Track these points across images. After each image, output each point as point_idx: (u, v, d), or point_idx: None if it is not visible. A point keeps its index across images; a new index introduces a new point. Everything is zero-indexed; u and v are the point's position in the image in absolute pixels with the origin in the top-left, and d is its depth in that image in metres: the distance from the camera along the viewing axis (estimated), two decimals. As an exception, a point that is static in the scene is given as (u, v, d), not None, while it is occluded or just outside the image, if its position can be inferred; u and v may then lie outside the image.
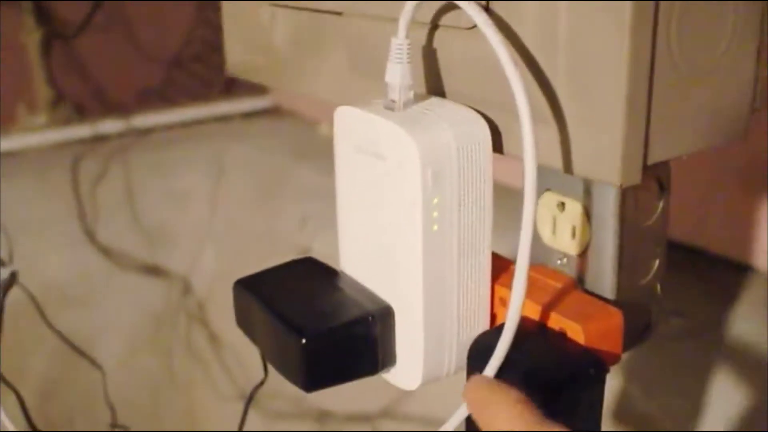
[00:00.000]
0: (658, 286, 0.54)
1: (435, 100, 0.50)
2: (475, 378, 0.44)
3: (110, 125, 1.57)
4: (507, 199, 0.51)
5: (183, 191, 1.47)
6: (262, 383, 0.61)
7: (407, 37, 0.48)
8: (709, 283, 0.99)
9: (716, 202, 1.02)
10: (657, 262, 0.53)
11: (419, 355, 0.49)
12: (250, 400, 0.65)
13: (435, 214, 0.46)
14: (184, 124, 1.62)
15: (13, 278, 0.94)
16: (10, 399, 0.92)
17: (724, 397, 0.84)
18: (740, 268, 1.01)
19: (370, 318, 0.49)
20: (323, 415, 1.25)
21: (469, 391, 0.43)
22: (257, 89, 1.67)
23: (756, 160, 0.96)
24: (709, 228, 1.04)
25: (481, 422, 0.41)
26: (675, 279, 0.98)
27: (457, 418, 0.45)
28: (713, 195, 1.02)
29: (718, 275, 1.00)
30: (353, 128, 0.50)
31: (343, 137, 0.51)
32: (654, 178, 0.51)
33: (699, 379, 0.86)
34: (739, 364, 0.86)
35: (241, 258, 1.39)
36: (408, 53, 0.48)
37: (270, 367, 0.54)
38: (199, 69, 1.66)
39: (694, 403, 0.87)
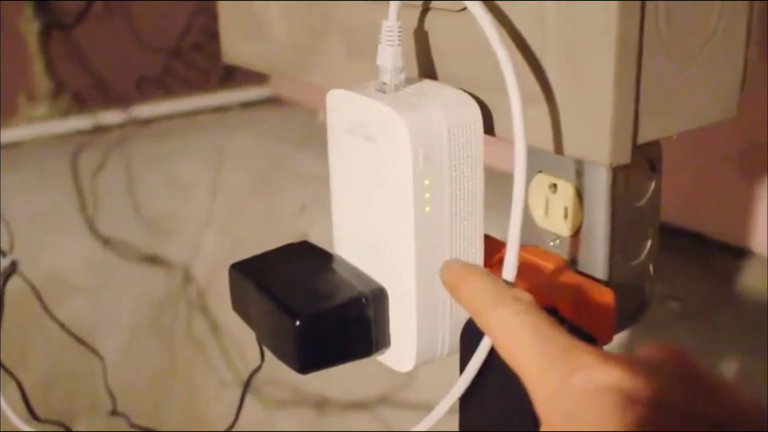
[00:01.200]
0: (651, 267, 0.54)
1: (426, 83, 0.50)
2: (447, 261, 0.47)
3: (110, 116, 1.57)
4: (502, 183, 0.51)
5: (183, 181, 1.47)
6: (258, 368, 0.61)
7: (398, 19, 0.48)
8: (705, 267, 0.99)
9: (713, 186, 1.02)
10: (649, 242, 0.53)
11: (412, 337, 0.49)
12: (247, 385, 0.65)
13: (427, 195, 0.47)
14: (184, 114, 1.62)
15: (13, 268, 0.95)
16: (11, 387, 0.92)
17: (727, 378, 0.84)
18: (737, 252, 1.01)
19: (363, 299, 0.49)
20: (322, 403, 1.26)
21: (444, 273, 0.46)
22: (256, 79, 1.67)
23: (753, 144, 0.96)
24: (706, 212, 1.04)
25: (457, 296, 0.45)
26: (672, 263, 0.99)
27: (449, 400, 0.46)
28: (710, 179, 1.02)
29: (715, 259, 1.01)
30: (345, 111, 0.50)
31: (336, 120, 0.51)
32: (645, 159, 0.51)
33: (696, 359, 0.86)
34: (735, 347, 0.87)
35: (241, 246, 1.39)
36: (399, 36, 0.48)
37: (267, 355, 0.55)
38: (198, 58, 1.66)
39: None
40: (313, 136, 1.43)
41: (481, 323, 0.42)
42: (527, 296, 0.41)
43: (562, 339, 0.38)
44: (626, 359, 0.36)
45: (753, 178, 0.98)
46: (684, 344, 0.86)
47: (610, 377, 0.34)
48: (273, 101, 1.69)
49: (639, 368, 0.35)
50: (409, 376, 0.50)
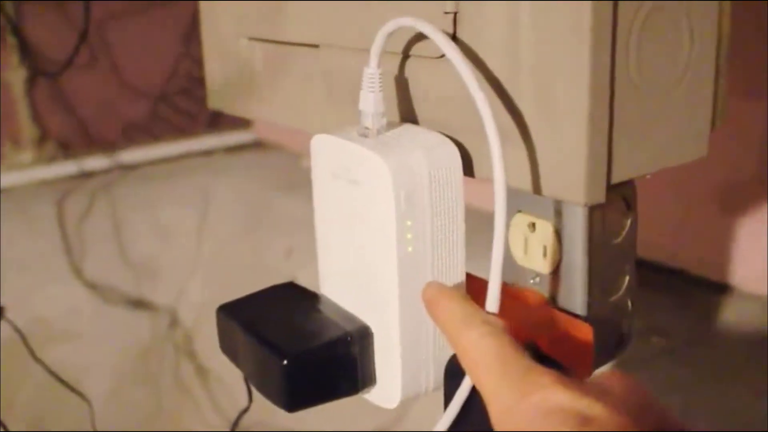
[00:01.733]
0: (629, 303, 0.56)
1: (407, 127, 0.52)
2: (429, 282, 0.49)
3: (96, 161, 1.58)
4: (483, 222, 0.52)
5: (169, 225, 1.48)
6: (246, 409, 0.62)
7: (379, 66, 0.50)
8: (686, 302, 1.01)
9: (693, 223, 1.04)
10: (627, 278, 0.55)
11: (397, 374, 0.50)
12: (235, 425, 0.66)
13: (409, 235, 0.48)
14: (169, 159, 1.63)
15: (0, 313, 0.95)
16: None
17: (706, 414, 0.85)
18: (717, 288, 1.02)
19: (348, 338, 0.50)
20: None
21: (425, 292, 0.48)
22: (241, 123, 1.69)
23: (730, 183, 0.98)
24: (686, 248, 1.05)
25: (433, 314, 0.47)
26: (654, 298, 1.00)
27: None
28: (690, 217, 1.04)
29: (696, 294, 1.02)
30: (329, 155, 0.51)
31: (320, 164, 0.53)
32: (620, 197, 0.52)
33: (681, 396, 0.88)
34: (716, 382, 0.88)
35: (227, 290, 1.39)
36: (380, 82, 0.50)
37: (255, 396, 0.55)
38: (183, 103, 1.68)
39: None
40: (297, 180, 1.44)
41: (451, 342, 0.45)
42: (497, 321, 0.44)
43: (523, 361, 0.40)
44: (581, 383, 0.38)
45: (732, 215, 1.00)
46: (666, 379, 0.87)
47: (564, 397, 0.37)
48: (257, 145, 1.71)
49: (592, 391, 0.38)
50: (399, 412, 0.50)
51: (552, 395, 0.37)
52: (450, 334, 0.45)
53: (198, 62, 1.66)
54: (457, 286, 0.49)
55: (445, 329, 0.46)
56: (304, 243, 1.27)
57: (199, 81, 1.66)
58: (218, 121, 1.70)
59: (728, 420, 0.83)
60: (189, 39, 1.64)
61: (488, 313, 0.45)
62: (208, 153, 1.68)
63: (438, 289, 0.48)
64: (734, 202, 0.99)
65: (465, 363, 0.43)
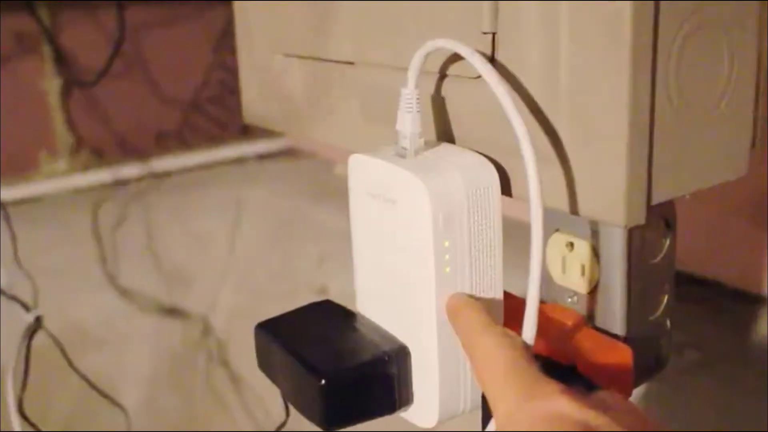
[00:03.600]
0: (668, 321, 0.55)
1: (444, 146, 0.52)
2: (453, 293, 0.49)
3: (129, 169, 1.60)
4: (518, 235, 0.52)
5: (201, 233, 1.49)
6: (283, 424, 0.62)
7: (416, 86, 0.50)
8: (722, 315, 1.00)
9: (728, 235, 1.03)
10: (666, 297, 0.54)
11: (435, 394, 0.50)
12: (271, 439, 0.66)
13: (447, 256, 0.48)
14: (202, 167, 1.64)
15: (38, 323, 0.96)
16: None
17: (739, 425, 0.85)
18: (752, 299, 1.01)
19: (386, 358, 0.51)
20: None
21: (448, 304, 0.49)
22: (273, 131, 1.69)
23: (765, 195, 0.97)
24: (720, 260, 1.05)
25: (453, 322, 0.48)
26: (688, 311, 0.99)
27: None
28: (725, 228, 1.03)
29: (731, 307, 1.01)
30: (366, 175, 0.52)
31: (357, 183, 0.53)
32: (660, 217, 0.52)
33: (715, 411, 0.87)
34: (754, 396, 0.87)
35: (259, 298, 1.41)
36: (417, 102, 0.50)
37: (291, 410, 0.56)
38: (215, 111, 1.69)
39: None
40: (329, 188, 1.45)
41: (466, 348, 0.46)
42: (515, 334, 0.45)
43: (533, 372, 0.41)
44: (585, 395, 0.40)
45: (766, 227, 0.99)
46: (699, 393, 0.86)
47: (568, 406, 0.38)
48: (290, 153, 1.72)
49: (596, 404, 0.39)
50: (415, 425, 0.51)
51: (556, 402, 0.39)
52: (467, 340, 0.46)
53: (229, 71, 1.68)
54: (486, 302, 0.49)
55: (463, 336, 0.47)
56: (335, 252, 1.27)
57: (231, 89, 1.68)
58: (250, 129, 1.70)
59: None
60: (221, 47, 1.65)
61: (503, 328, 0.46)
62: (240, 161, 1.69)
63: (461, 299, 0.48)
64: (764, 213, 0.98)
65: (476, 368, 0.44)
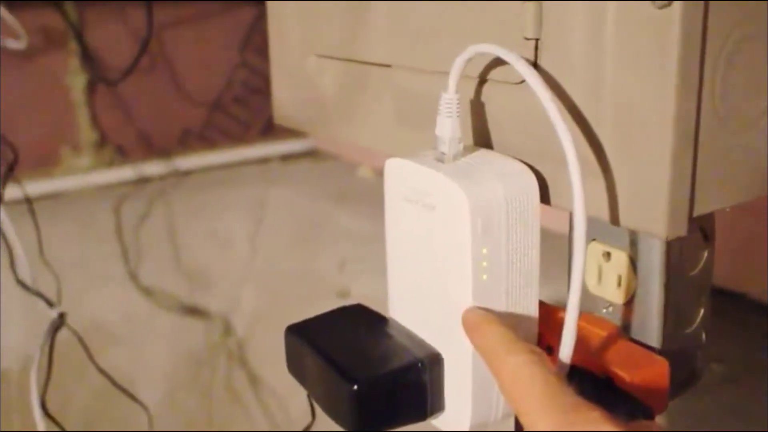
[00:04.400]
0: (703, 334, 0.55)
1: (483, 152, 0.51)
2: (469, 308, 0.48)
3: (152, 167, 1.60)
4: (547, 243, 0.52)
5: (223, 233, 1.49)
6: (309, 427, 0.62)
7: (456, 92, 0.49)
8: (748, 329, 0.99)
9: (755, 247, 1.02)
10: (702, 310, 0.54)
11: (467, 402, 0.50)
12: (297, 442, 0.66)
13: (484, 263, 0.47)
14: (225, 166, 1.64)
15: (62, 320, 0.96)
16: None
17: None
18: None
19: (419, 365, 0.50)
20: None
21: (465, 316, 0.48)
22: (297, 132, 1.69)
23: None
24: (747, 273, 1.04)
25: (474, 338, 0.47)
26: (714, 324, 0.98)
27: None
28: (752, 241, 1.02)
29: (758, 320, 1.00)
30: (403, 179, 0.51)
31: (393, 187, 0.52)
32: (699, 229, 0.52)
33: (739, 424, 0.86)
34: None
35: (280, 299, 1.40)
36: (457, 107, 0.49)
37: (316, 412, 0.55)
38: (239, 111, 1.69)
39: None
40: (352, 191, 1.44)
41: (492, 366, 0.45)
42: (540, 350, 0.44)
43: (570, 394, 0.40)
44: (629, 425, 0.39)
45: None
46: (726, 407, 0.85)
47: None
48: (313, 154, 1.72)
49: None
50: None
51: (603, 429, 0.38)
52: (491, 359, 0.45)
53: (253, 71, 1.68)
54: (501, 315, 0.48)
55: (486, 354, 0.46)
56: (357, 255, 1.27)
57: (255, 89, 1.68)
58: (273, 129, 1.70)
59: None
60: (246, 47, 1.65)
61: (525, 343, 0.45)
62: (263, 161, 1.69)
63: (479, 314, 0.48)
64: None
65: (506, 389, 0.43)
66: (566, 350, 0.45)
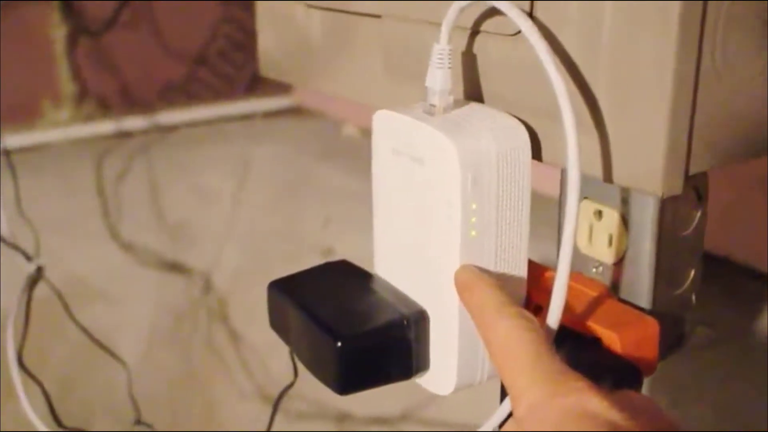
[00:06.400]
0: (693, 297, 0.54)
1: (474, 106, 0.50)
2: (464, 264, 0.47)
3: (134, 122, 1.57)
4: (534, 204, 0.51)
5: (206, 189, 1.47)
6: (291, 385, 0.61)
7: (449, 42, 0.48)
8: (734, 293, 0.99)
9: (741, 211, 1.02)
10: (693, 272, 0.53)
11: (453, 361, 0.49)
12: (278, 401, 0.65)
13: (473, 219, 0.46)
14: (207, 122, 1.62)
15: (39, 273, 0.95)
16: (34, 391, 0.92)
17: (748, 405, 0.84)
18: (765, 278, 1.00)
19: (404, 322, 0.49)
20: (343, 417, 1.26)
21: (459, 274, 0.47)
22: (281, 88, 1.67)
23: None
24: (732, 237, 1.03)
25: (465, 298, 0.46)
26: (701, 287, 0.98)
27: (491, 425, 0.45)
28: (738, 204, 1.01)
29: (743, 284, 1.00)
30: (392, 132, 0.50)
31: (382, 140, 0.51)
32: (692, 188, 0.51)
33: (724, 387, 0.86)
34: (764, 373, 0.86)
35: (262, 257, 1.39)
36: (449, 58, 0.48)
37: (299, 370, 0.54)
38: (223, 66, 1.67)
39: (717, 410, 0.86)
40: (337, 149, 1.43)
41: (482, 328, 0.44)
42: (531, 316, 0.43)
43: (557, 362, 0.40)
44: (615, 395, 0.38)
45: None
46: (712, 371, 0.85)
47: (598, 406, 0.37)
48: (296, 111, 1.69)
49: (627, 406, 0.37)
50: (431, 393, 0.49)
51: (587, 400, 0.37)
52: (482, 320, 0.44)
53: (238, 25, 1.65)
54: (494, 275, 0.47)
55: (477, 315, 0.45)
56: (341, 213, 1.25)
57: (239, 44, 1.65)
58: (257, 86, 1.68)
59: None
60: (229, 1, 1.63)
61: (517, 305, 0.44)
62: (246, 117, 1.66)
63: (473, 273, 0.46)
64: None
65: (494, 352, 0.43)
66: (554, 316, 0.44)
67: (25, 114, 1.49)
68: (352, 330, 0.49)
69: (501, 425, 0.45)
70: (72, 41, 1.51)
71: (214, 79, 1.67)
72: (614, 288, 0.52)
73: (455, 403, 0.59)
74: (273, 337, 0.56)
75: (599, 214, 0.52)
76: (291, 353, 0.54)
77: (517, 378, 0.40)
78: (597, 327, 0.48)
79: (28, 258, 0.97)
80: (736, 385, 0.85)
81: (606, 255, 0.52)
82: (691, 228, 0.51)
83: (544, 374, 0.39)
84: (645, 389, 0.84)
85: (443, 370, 0.50)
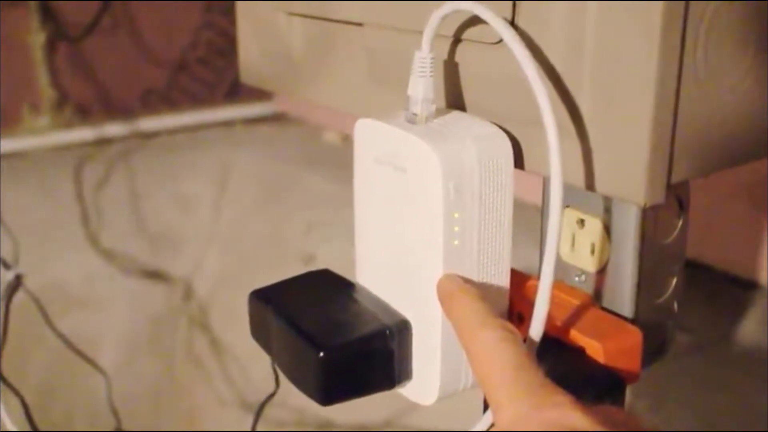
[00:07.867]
0: (675, 305, 0.54)
1: (456, 114, 0.50)
2: (447, 273, 0.47)
3: (114, 128, 1.57)
4: (515, 212, 0.51)
5: (187, 196, 1.46)
6: (273, 395, 0.60)
7: (431, 50, 0.48)
8: (715, 299, 0.99)
9: (722, 218, 1.02)
10: (675, 280, 0.53)
11: (436, 371, 0.49)
12: (260, 411, 0.64)
13: (456, 228, 0.46)
14: (188, 129, 1.61)
15: (18, 281, 0.94)
16: (12, 400, 0.91)
17: (730, 411, 0.84)
18: (745, 285, 1.01)
19: (387, 332, 0.49)
20: (324, 425, 1.25)
21: (440, 284, 0.47)
22: (262, 95, 1.66)
23: (761, 175, 0.96)
24: (713, 244, 1.03)
25: (447, 307, 0.46)
26: (682, 295, 0.98)
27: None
28: (719, 211, 1.02)
29: (724, 291, 1.00)
30: (374, 140, 0.49)
31: (363, 149, 0.51)
32: (674, 197, 0.51)
33: (705, 393, 0.86)
34: (745, 379, 0.86)
35: (244, 264, 1.39)
36: (431, 67, 0.48)
37: (280, 380, 0.54)
38: (203, 72, 1.66)
39: (698, 416, 0.86)
40: (318, 155, 1.42)
41: (464, 340, 0.44)
42: (514, 329, 0.42)
43: (539, 375, 0.40)
44: (597, 410, 0.38)
45: (761, 211, 0.98)
46: (693, 377, 0.85)
47: (580, 421, 0.37)
48: (278, 118, 1.69)
49: (609, 422, 0.37)
50: (413, 402, 0.50)
51: (570, 415, 0.37)
52: (463, 332, 0.44)
53: (219, 31, 1.65)
54: (477, 285, 0.47)
55: (458, 326, 0.44)
56: (323, 219, 1.25)
57: (220, 51, 1.64)
58: (238, 92, 1.68)
59: (756, 420, 0.81)
60: (210, 7, 1.62)
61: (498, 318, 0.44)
62: (227, 124, 1.66)
63: (455, 283, 0.46)
64: (764, 197, 0.97)
65: (476, 364, 0.42)
66: (537, 327, 0.44)
67: (4, 121, 1.48)
68: (335, 340, 0.48)
69: (483, 436, 0.45)
70: (51, 47, 1.51)
71: (195, 85, 1.66)
72: (597, 296, 0.52)
73: (438, 411, 0.59)
74: (254, 344, 0.55)
75: (582, 222, 0.52)
76: (272, 363, 0.54)
77: (499, 391, 0.40)
78: (580, 336, 0.48)
79: (7, 266, 0.96)
80: (717, 391, 0.86)
81: (588, 263, 0.52)
82: (673, 236, 0.51)
83: (526, 387, 0.39)
84: (627, 395, 0.84)
85: (426, 380, 0.50)
